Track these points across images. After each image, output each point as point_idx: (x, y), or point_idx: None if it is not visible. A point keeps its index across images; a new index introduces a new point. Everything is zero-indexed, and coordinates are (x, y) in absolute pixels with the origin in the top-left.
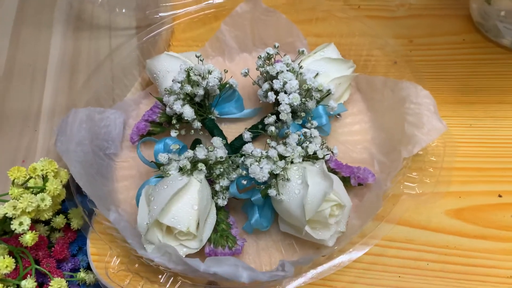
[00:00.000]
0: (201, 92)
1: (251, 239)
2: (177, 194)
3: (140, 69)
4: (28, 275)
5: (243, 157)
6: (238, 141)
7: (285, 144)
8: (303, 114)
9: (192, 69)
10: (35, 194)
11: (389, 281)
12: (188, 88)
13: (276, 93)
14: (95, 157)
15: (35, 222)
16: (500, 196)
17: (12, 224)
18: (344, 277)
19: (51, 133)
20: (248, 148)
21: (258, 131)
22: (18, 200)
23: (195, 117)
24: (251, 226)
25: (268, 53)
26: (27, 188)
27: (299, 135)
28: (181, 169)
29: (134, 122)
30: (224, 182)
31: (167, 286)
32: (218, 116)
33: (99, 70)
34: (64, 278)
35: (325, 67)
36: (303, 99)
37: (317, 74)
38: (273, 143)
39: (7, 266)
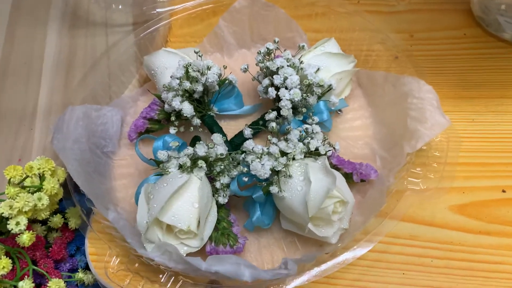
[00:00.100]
0: (200, 88)
1: (253, 237)
2: (177, 192)
3: (138, 66)
4: (26, 276)
5: (244, 154)
6: (238, 138)
7: (286, 140)
8: (304, 109)
9: (190, 65)
10: (32, 193)
11: (393, 278)
12: (187, 85)
13: (277, 88)
14: (93, 155)
15: (32, 222)
16: (504, 191)
17: (8, 224)
18: (348, 274)
19: (47, 131)
20: (249, 144)
21: (259, 127)
22: (14, 200)
23: (194, 113)
24: (252, 224)
25: (268, 48)
26: (24, 187)
27: (300, 131)
28: (181, 167)
29: (132, 119)
30: (224, 180)
31: (168, 285)
32: (217, 112)
33: (95, 67)
34: (62, 279)
35: (326, 62)
36: (304, 95)
37: (318, 69)
38: (274, 140)
39: (3, 267)
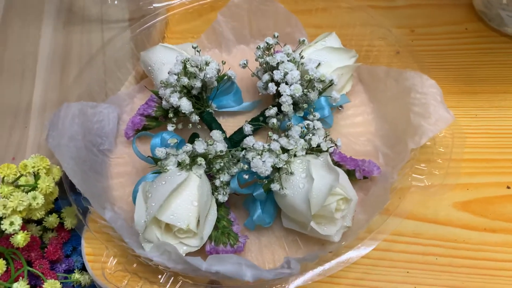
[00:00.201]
0: (198, 84)
1: (253, 236)
2: (176, 190)
3: (134, 62)
4: (20, 278)
5: (244, 150)
6: (237, 135)
7: (287, 136)
8: (305, 105)
9: (189, 60)
10: (26, 192)
11: (396, 277)
12: (185, 80)
13: (277, 84)
14: (89, 153)
15: (26, 222)
16: (508, 187)
17: (2, 224)
18: (351, 273)
19: (42, 129)
20: (249, 141)
21: (259, 124)
22: (8, 199)
23: (193, 110)
24: (253, 223)
25: (267, 43)
26: (18, 186)
27: (301, 127)
28: (179, 164)
29: (129, 117)
30: (224, 177)
31: (167, 286)
32: (216, 109)
33: (91, 63)
34: (58, 280)
35: (327, 57)
36: (305, 90)
37: (319, 64)
38: (275, 136)
39: None
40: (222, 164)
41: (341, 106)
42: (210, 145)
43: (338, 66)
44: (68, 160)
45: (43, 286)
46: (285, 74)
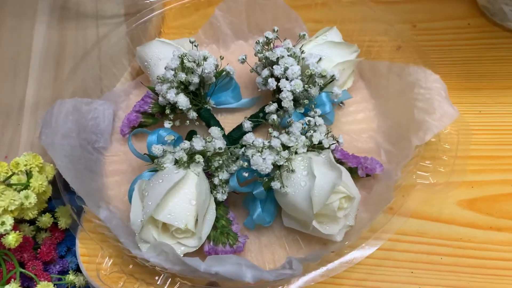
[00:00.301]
0: (196, 80)
1: (253, 235)
2: (173, 188)
3: (130, 58)
4: (12, 279)
5: (244, 147)
6: (236, 132)
7: (288, 133)
8: (306, 101)
9: (186, 55)
10: (19, 191)
11: (401, 277)
12: (182, 76)
13: (277, 79)
14: (83, 151)
15: (19, 222)
16: None
17: None
18: (354, 274)
19: (35, 127)
20: (249, 138)
21: (259, 120)
22: None
23: (190, 106)
24: (252, 222)
25: (267, 38)
26: (10, 185)
27: (302, 124)
28: (177, 162)
29: (124, 114)
30: (223, 175)
31: None
32: (214, 106)
33: (85, 59)
34: (52, 282)
35: (328, 52)
36: (305, 86)
37: (320, 59)
38: (275, 133)
39: None
40: (221, 161)
41: (342, 103)
42: (209, 142)
43: (339, 61)
44: (62, 158)
45: None
46: (286, 69)
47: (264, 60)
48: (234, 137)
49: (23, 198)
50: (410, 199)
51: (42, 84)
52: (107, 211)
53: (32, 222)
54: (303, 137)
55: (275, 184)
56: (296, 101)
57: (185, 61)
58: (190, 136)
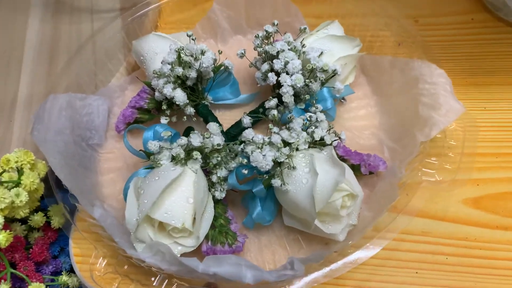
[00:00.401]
0: (193, 74)
1: (252, 235)
2: (170, 186)
3: (126, 53)
4: (3, 280)
5: (243, 144)
6: (234, 128)
7: (289, 129)
8: (307, 97)
9: (183, 49)
10: (9, 189)
11: (405, 277)
12: (179, 70)
13: (277, 74)
14: (77, 148)
15: (10, 221)
16: None
17: None
18: (356, 274)
19: (27, 124)
20: (248, 134)
21: (258, 116)
22: None
23: (187, 101)
24: (252, 221)
25: (266, 31)
26: (0, 182)
27: (304, 120)
28: (173, 158)
29: (120, 109)
30: (221, 173)
31: None
32: (212, 102)
33: (80, 53)
34: (44, 283)
35: (329, 46)
36: (306, 80)
37: (321, 53)
38: (276, 129)
39: None
40: (219, 158)
41: (343, 99)
42: (207, 138)
43: (341, 55)
44: (55, 155)
45: None
46: (286, 63)
47: (263, 54)
48: (233, 134)
49: (14, 196)
50: (415, 197)
51: (35, 79)
52: (101, 210)
53: (24, 221)
54: (304, 133)
55: (276, 182)
56: (297, 96)
57: (182, 55)
58: (187, 132)
